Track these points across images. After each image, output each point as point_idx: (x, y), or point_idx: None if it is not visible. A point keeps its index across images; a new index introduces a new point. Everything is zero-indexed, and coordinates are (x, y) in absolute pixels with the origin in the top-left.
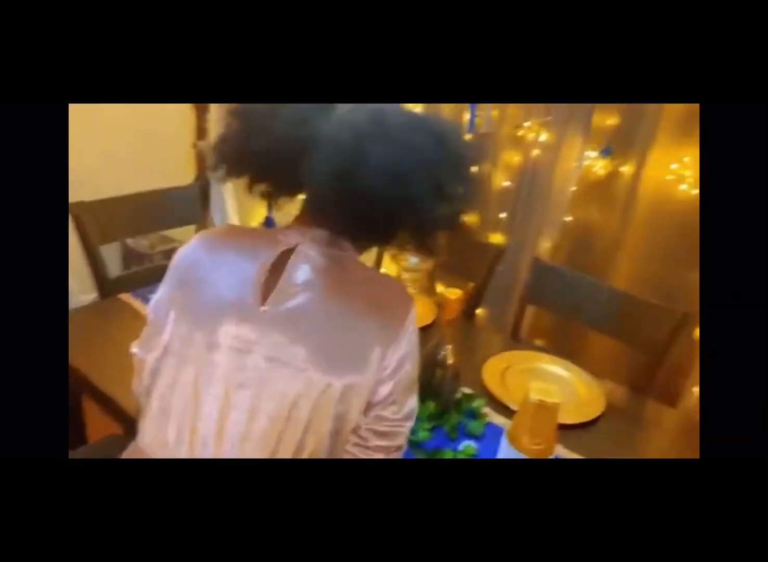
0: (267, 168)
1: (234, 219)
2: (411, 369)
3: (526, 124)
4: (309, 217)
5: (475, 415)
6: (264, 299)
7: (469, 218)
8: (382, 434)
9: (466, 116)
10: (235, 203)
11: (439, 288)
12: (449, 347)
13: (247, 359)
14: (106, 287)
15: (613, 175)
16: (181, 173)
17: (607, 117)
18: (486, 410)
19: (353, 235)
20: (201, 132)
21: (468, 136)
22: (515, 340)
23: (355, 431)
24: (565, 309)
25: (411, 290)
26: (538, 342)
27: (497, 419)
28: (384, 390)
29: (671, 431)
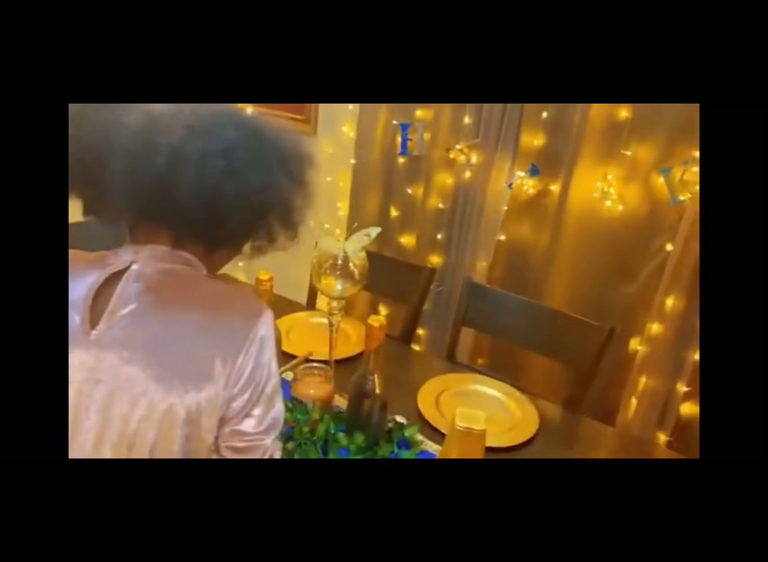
0: (79, 178)
1: None
2: (266, 380)
3: (457, 146)
4: (140, 232)
5: (408, 444)
6: (94, 323)
7: (406, 240)
8: (239, 450)
9: (398, 139)
10: None
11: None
12: (375, 376)
13: (86, 388)
14: None
15: (542, 194)
16: None
17: (534, 137)
18: (420, 437)
19: (183, 241)
20: None
21: (402, 159)
22: (452, 362)
23: (215, 449)
24: (498, 329)
25: (338, 318)
26: (480, 361)
27: (432, 447)
28: (237, 404)
29: (606, 446)
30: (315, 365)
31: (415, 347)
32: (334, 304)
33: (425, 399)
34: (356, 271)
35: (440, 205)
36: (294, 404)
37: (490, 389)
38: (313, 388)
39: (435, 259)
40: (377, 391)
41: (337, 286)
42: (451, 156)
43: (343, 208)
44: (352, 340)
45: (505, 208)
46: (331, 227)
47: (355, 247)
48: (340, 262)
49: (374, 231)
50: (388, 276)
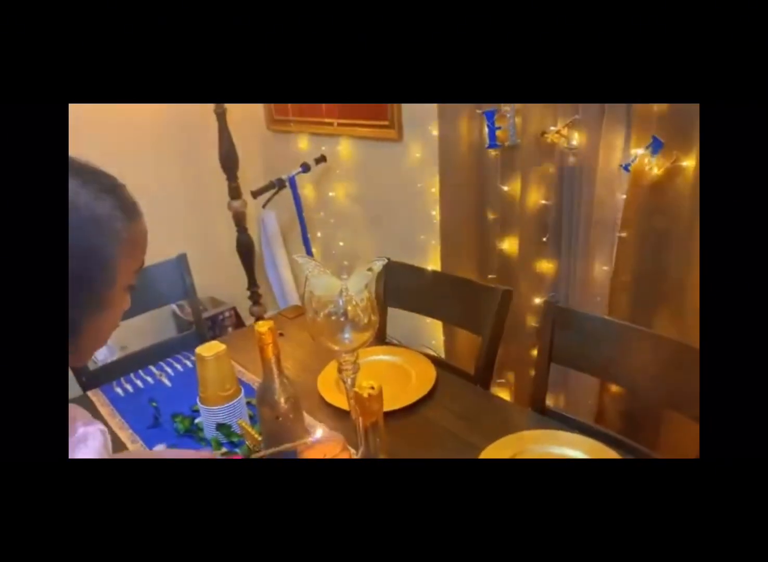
0: None
1: (286, 273)
2: None
3: (552, 128)
4: None
5: None
6: None
7: (508, 245)
8: None
9: (486, 129)
10: (285, 257)
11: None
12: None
13: None
14: (87, 379)
15: (671, 173)
16: (227, 233)
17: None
18: None
19: None
20: (233, 193)
21: (493, 152)
22: (539, 412)
23: None
24: (595, 368)
25: (352, 374)
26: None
27: None
28: None
29: None
30: (324, 436)
31: (532, 371)
32: (347, 357)
33: None
34: (363, 315)
35: (542, 201)
36: None
37: (580, 453)
38: None
39: (544, 266)
40: None
41: (343, 335)
42: (549, 140)
43: (437, 216)
44: (411, 381)
45: (623, 196)
46: (426, 238)
47: (358, 286)
48: (341, 304)
49: (377, 264)
50: (459, 302)
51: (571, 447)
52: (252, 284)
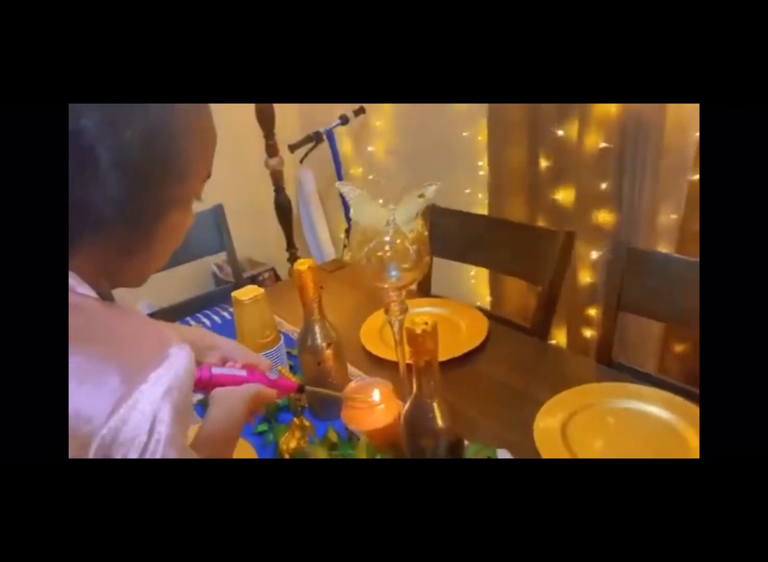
0: None
1: (323, 232)
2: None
3: None
4: None
5: None
6: None
7: (562, 195)
8: None
9: None
10: (323, 216)
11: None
12: (435, 404)
13: None
14: None
15: None
16: (265, 190)
17: None
18: None
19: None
20: (270, 150)
21: None
22: (605, 364)
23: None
24: (674, 316)
25: (399, 316)
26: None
27: None
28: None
29: None
30: (371, 380)
31: (587, 332)
32: (392, 297)
33: (546, 425)
34: (412, 249)
35: (603, 145)
36: (340, 438)
37: (660, 409)
38: (368, 415)
39: (602, 217)
40: (440, 424)
41: (389, 272)
42: None
43: (484, 166)
44: (462, 332)
45: (697, 134)
46: (473, 191)
47: (408, 215)
48: (388, 238)
49: (430, 190)
50: (514, 249)
51: (646, 401)
52: (290, 245)
